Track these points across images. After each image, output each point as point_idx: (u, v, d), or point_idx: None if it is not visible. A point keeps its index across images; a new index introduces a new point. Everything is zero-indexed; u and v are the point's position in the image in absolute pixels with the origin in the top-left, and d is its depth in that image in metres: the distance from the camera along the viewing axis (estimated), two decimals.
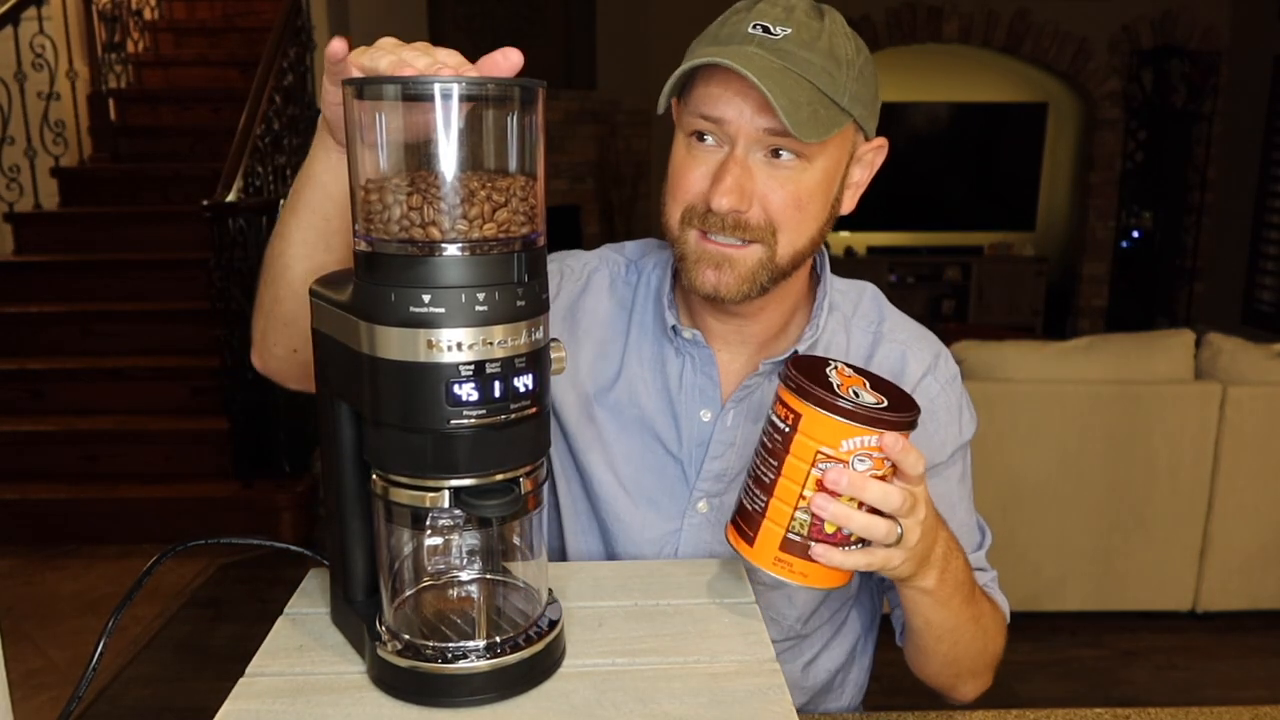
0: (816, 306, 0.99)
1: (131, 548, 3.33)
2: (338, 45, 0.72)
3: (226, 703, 0.66)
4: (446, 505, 0.63)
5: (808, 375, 0.72)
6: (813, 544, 0.74)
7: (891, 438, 0.71)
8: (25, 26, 4.26)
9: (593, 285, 1.05)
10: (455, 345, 0.59)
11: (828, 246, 0.98)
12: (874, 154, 0.95)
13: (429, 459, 0.62)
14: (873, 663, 1.15)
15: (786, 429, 0.73)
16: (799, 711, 0.69)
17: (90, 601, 3.02)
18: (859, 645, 1.12)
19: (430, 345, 0.59)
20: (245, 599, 3.05)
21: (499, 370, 0.61)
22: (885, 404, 0.72)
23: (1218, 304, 6.18)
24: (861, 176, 0.94)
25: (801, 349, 0.96)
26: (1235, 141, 6.00)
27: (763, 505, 0.75)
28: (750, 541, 0.76)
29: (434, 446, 0.61)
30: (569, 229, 5.68)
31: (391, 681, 0.67)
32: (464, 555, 0.73)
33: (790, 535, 0.74)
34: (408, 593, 0.72)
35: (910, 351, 1.00)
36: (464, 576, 0.74)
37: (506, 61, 0.67)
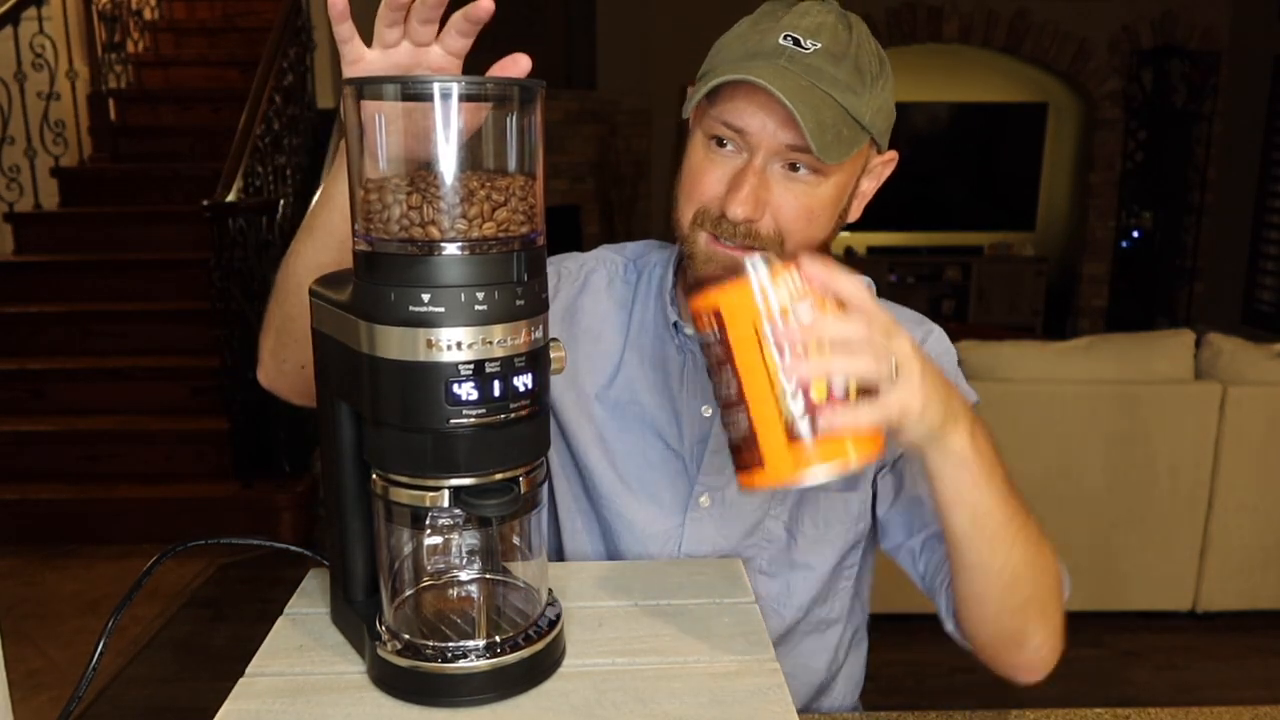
0: None
1: (131, 548, 3.33)
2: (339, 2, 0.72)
3: (226, 703, 0.66)
4: (446, 505, 0.63)
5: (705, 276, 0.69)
6: (815, 419, 0.65)
7: (808, 260, 0.65)
8: (25, 26, 4.26)
9: (590, 285, 1.06)
10: (455, 344, 0.59)
11: (828, 248, 0.98)
12: (884, 167, 0.96)
13: (429, 458, 0.62)
14: (866, 659, 1.15)
15: (717, 331, 0.67)
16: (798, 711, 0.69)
17: (90, 601, 3.02)
18: (853, 637, 1.11)
19: (430, 345, 0.59)
20: (245, 599, 3.05)
21: (498, 369, 0.61)
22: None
23: (1218, 304, 6.18)
24: (869, 187, 0.95)
25: None
26: (1235, 141, 5.99)
27: (746, 420, 0.67)
28: (760, 463, 0.67)
29: (434, 446, 0.61)
30: (569, 229, 5.67)
31: (391, 681, 0.67)
32: (464, 555, 0.73)
33: (790, 426, 0.66)
34: (408, 593, 0.72)
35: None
36: (464, 576, 0.74)
37: (516, 66, 0.68)
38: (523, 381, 0.62)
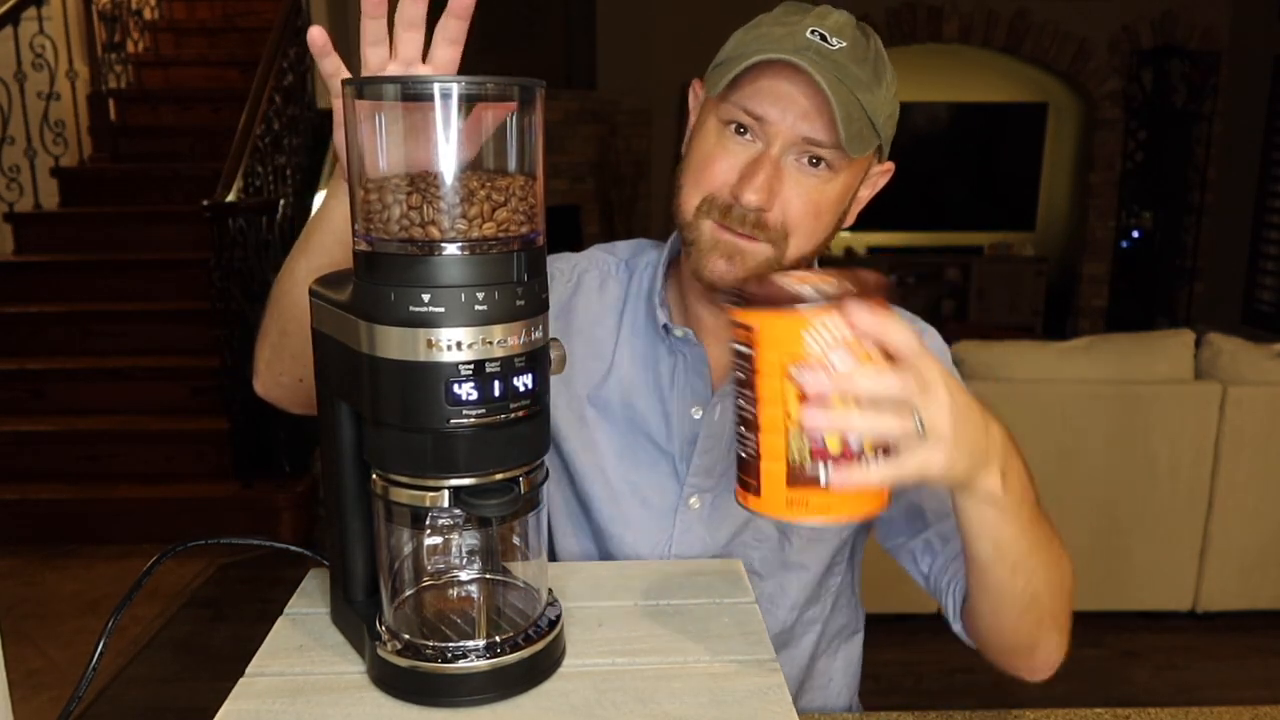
0: None
1: (131, 548, 3.33)
2: (317, 33, 0.73)
3: (226, 703, 0.66)
4: (446, 505, 0.63)
5: (753, 284, 0.65)
6: (822, 469, 0.62)
7: (856, 306, 0.60)
8: (25, 26, 4.26)
9: (584, 285, 1.06)
10: (455, 344, 0.59)
11: (829, 249, 0.98)
12: (881, 176, 0.97)
13: (429, 458, 0.62)
14: (861, 655, 1.15)
15: (747, 349, 0.64)
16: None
17: (90, 601, 3.02)
18: (843, 631, 1.11)
19: (430, 345, 0.59)
20: (245, 599, 3.05)
21: (498, 369, 0.61)
22: (847, 286, 0.62)
23: (1218, 304, 6.18)
24: (865, 195, 0.96)
25: None
26: (1235, 141, 5.99)
27: (754, 445, 0.65)
28: (755, 491, 0.65)
29: (434, 446, 0.61)
30: (569, 229, 5.67)
31: (391, 681, 0.67)
32: (464, 555, 0.73)
33: (794, 468, 0.63)
34: (408, 592, 0.72)
35: None
36: (464, 576, 0.74)
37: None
38: (523, 381, 0.62)
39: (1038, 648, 0.85)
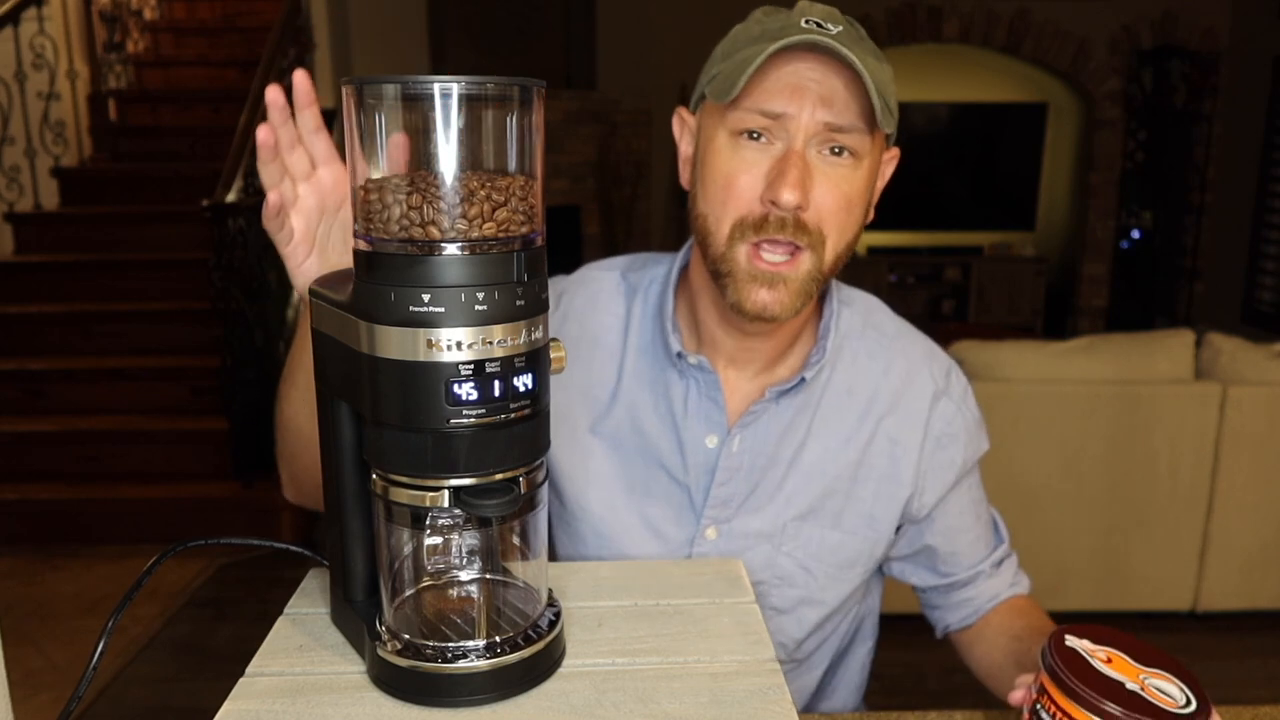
0: (824, 327, 0.97)
1: (131, 548, 3.33)
2: (264, 134, 0.75)
3: (226, 703, 0.66)
4: (446, 505, 0.63)
5: (1083, 678, 0.65)
6: None
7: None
8: (25, 26, 4.26)
9: (571, 313, 1.01)
10: (455, 344, 0.59)
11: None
12: (888, 164, 0.94)
13: (429, 458, 0.62)
14: (870, 665, 1.15)
15: (1042, 707, 0.67)
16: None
17: (90, 601, 3.02)
18: (852, 646, 1.11)
19: (430, 344, 0.59)
20: (245, 599, 3.05)
21: (499, 369, 0.61)
22: (1183, 708, 0.64)
23: (1218, 304, 6.18)
24: (879, 186, 0.94)
25: (809, 375, 0.94)
26: (1235, 141, 5.99)
27: None
28: None
29: (434, 446, 0.61)
30: (569, 229, 5.68)
31: (391, 681, 0.67)
32: (464, 555, 0.73)
33: None
34: (408, 592, 0.72)
35: (919, 370, 0.98)
36: (464, 576, 0.74)
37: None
38: (523, 381, 0.62)
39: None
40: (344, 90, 0.63)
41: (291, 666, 0.71)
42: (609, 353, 0.99)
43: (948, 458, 0.98)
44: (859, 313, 1.01)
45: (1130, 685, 0.65)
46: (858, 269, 6.29)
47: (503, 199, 0.60)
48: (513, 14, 5.58)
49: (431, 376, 0.60)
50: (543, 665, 0.68)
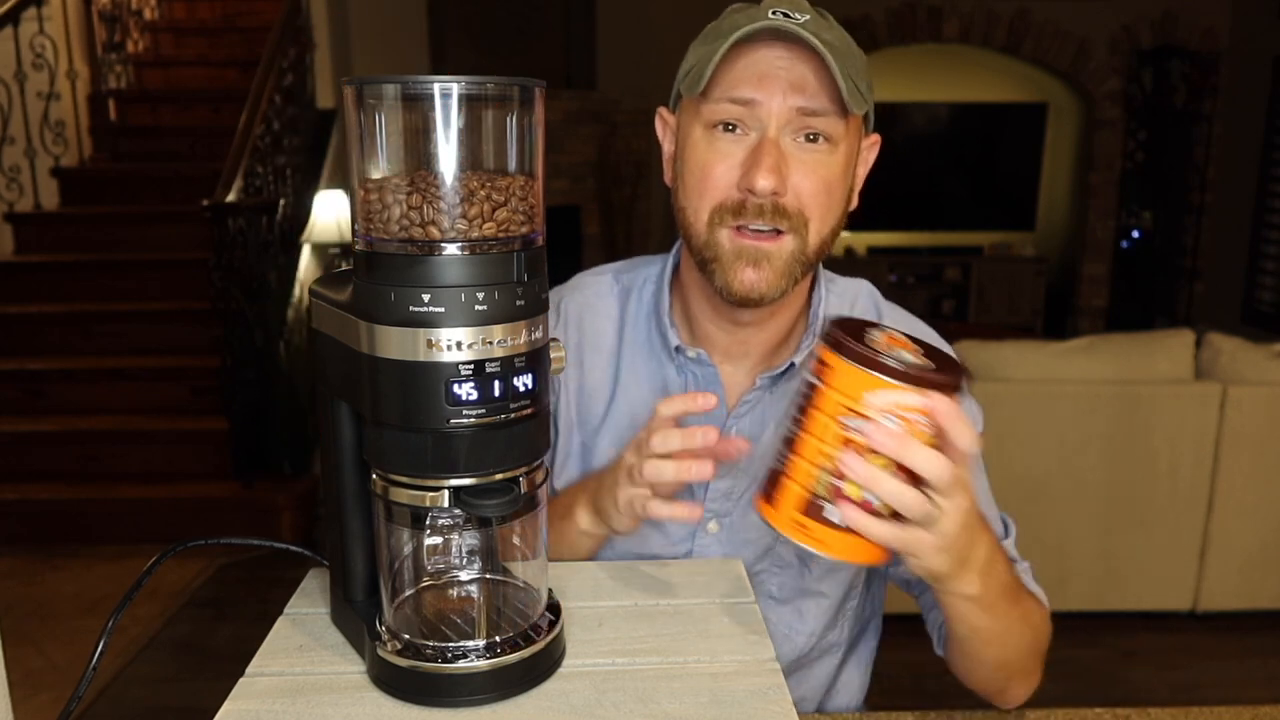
0: (813, 313, 0.98)
1: (131, 548, 3.33)
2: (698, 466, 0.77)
3: (226, 703, 0.66)
4: (446, 505, 0.63)
5: (846, 330, 0.68)
6: (835, 509, 0.67)
7: (943, 400, 0.65)
8: (25, 26, 4.26)
9: (567, 318, 1.02)
10: (455, 344, 0.59)
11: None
12: (870, 150, 0.95)
13: (429, 458, 0.62)
14: (872, 664, 1.15)
15: (816, 382, 0.68)
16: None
17: (90, 601, 3.02)
18: (855, 648, 1.11)
19: (430, 344, 0.59)
20: (245, 599, 3.05)
21: (498, 369, 0.61)
22: (929, 365, 0.66)
23: (1218, 304, 6.18)
24: (861, 172, 0.94)
25: (799, 360, 0.95)
26: (1235, 141, 5.99)
27: (785, 463, 0.70)
28: (771, 501, 0.71)
29: (434, 446, 0.61)
30: (569, 229, 5.68)
31: (391, 681, 0.67)
32: (464, 555, 0.73)
33: (812, 497, 0.68)
34: (408, 592, 0.72)
35: None
36: (464, 576, 0.74)
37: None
38: (523, 381, 0.62)
39: (1007, 691, 0.94)
40: (344, 90, 0.63)
41: (291, 666, 0.71)
42: (606, 353, 1.00)
43: None
44: (847, 298, 1.02)
45: (877, 342, 0.68)
46: (858, 269, 6.29)
47: (503, 199, 0.60)
48: (513, 14, 5.58)
49: (431, 376, 0.60)
50: (543, 665, 0.68)
